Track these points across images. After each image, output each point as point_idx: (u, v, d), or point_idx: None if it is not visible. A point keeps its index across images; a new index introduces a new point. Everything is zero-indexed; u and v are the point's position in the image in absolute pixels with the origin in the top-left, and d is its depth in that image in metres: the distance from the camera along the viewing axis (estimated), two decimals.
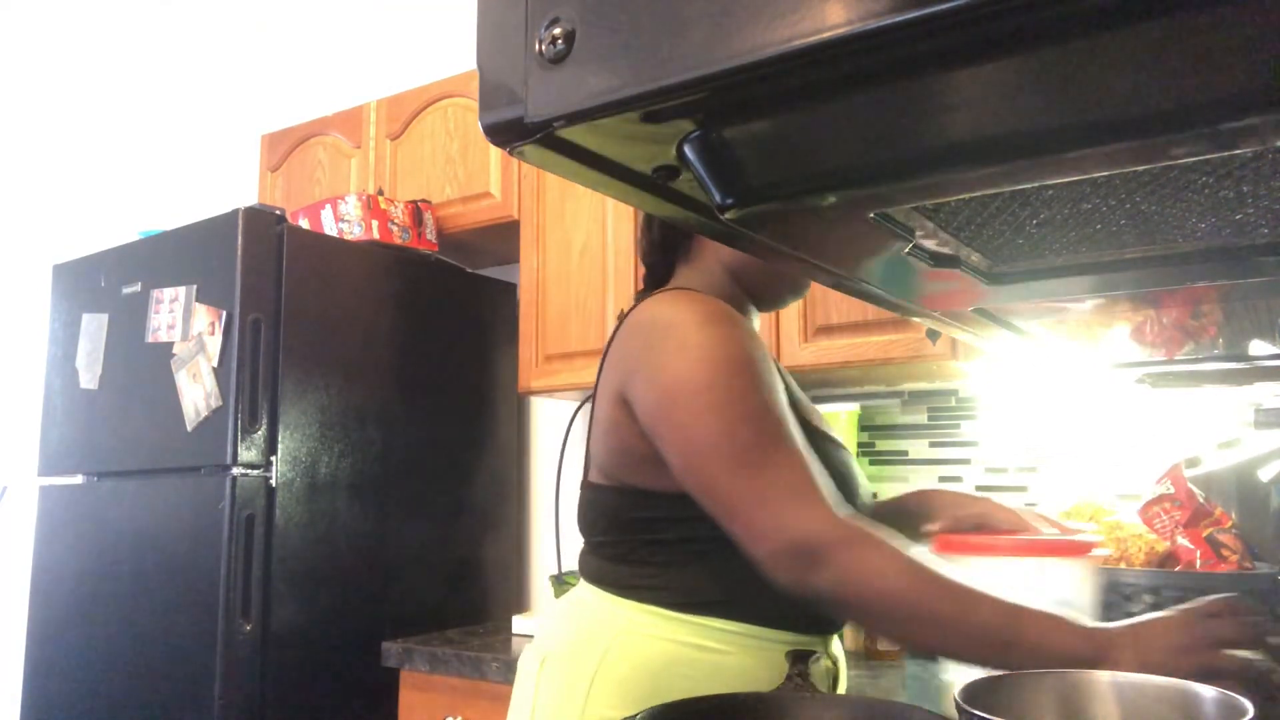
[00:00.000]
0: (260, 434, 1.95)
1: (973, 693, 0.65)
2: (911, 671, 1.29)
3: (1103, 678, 0.69)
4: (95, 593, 2.11)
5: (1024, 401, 1.95)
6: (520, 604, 2.56)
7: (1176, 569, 1.26)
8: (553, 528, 2.50)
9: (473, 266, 2.67)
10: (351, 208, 2.27)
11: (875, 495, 1.20)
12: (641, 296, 1.09)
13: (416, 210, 2.36)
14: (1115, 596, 1.14)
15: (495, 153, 2.37)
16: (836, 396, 2.12)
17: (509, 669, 1.78)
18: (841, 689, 1.07)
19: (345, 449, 2.11)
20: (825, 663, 1.01)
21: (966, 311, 0.77)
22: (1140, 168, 0.42)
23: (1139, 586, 1.17)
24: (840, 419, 1.98)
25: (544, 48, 0.37)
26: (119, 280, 2.18)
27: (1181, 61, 0.33)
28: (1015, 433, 1.97)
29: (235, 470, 1.90)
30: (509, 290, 2.54)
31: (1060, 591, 0.92)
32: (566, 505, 2.35)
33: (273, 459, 1.96)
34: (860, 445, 2.11)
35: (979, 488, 1.98)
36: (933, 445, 2.06)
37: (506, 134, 0.40)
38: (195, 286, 2.01)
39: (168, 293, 2.05)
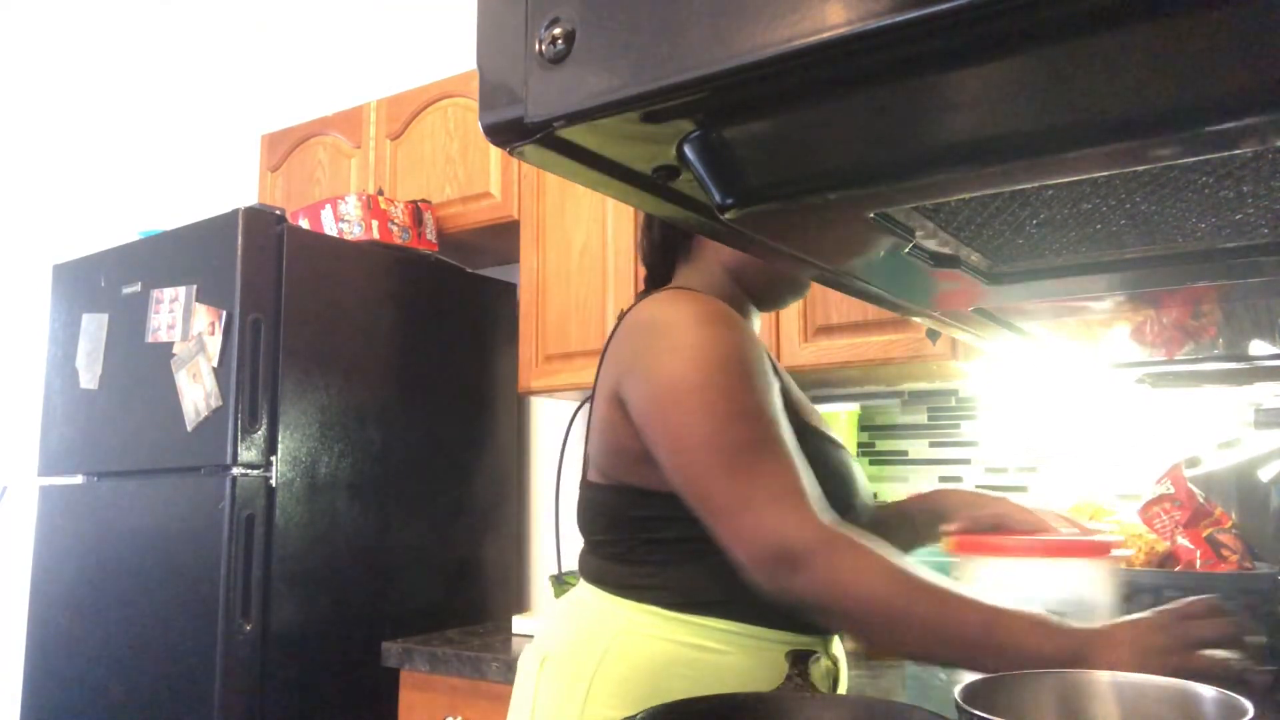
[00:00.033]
0: (260, 434, 1.95)
1: (973, 693, 0.65)
2: (911, 671, 1.29)
3: (1103, 678, 0.69)
4: (95, 593, 2.11)
5: (1024, 401, 1.95)
6: (520, 604, 2.56)
7: (1176, 569, 1.27)
8: (553, 528, 2.50)
9: (473, 266, 2.67)
10: (351, 208, 2.27)
11: (875, 495, 1.20)
12: (642, 297, 1.10)
13: (416, 210, 2.36)
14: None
15: (495, 153, 2.37)
16: (836, 396, 2.12)
17: (509, 669, 1.78)
18: (842, 689, 1.07)
19: (345, 449, 2.11)
20: (825, 663, 1.01)
21: (966, 311, 0.77)
22: (1140, 168, 0.42)
23: (1139, 586, 1.17)
24: (840, 419, 1.98)
25: (544, 48, 0.37)
26: (119, 280, 2.18)
27: (1181, 61, 0.33)
28: (1015, 433, 1.97)
29: (235, 470, 1.90)
30: (509, 290, 2.54)
31: (1080, 592, 0.91)
32: (566, 505, 2.35)
33: (273, 459, 1.96)
34: (860, 445, 2.11)
35: (979, 488, 1.98)
36: (933, 445, 2.06)
37: (506, 134, 0.40)
38: (195, 286, 2.01)
39: (168, 293, 2.06)
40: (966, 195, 0.49)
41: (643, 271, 1.22)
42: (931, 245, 0.58)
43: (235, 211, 1.98)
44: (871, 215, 0.51)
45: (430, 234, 2.38)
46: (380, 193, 2.49)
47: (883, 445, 2.12)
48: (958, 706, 0.61)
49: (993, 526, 1.11)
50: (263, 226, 2.01)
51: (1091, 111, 0.37)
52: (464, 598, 2.36)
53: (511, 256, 2.57)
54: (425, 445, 2.29)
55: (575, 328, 2.17)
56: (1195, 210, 0.53)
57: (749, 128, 0.40)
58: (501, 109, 0.39)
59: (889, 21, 0.30)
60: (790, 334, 1.89)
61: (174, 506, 1.98)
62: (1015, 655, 0.80)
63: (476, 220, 2.40)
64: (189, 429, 1.97)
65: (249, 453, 1.92)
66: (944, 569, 0.93)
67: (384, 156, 2.58)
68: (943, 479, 2.03)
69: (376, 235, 2.27)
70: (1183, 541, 1.28)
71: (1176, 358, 0.99)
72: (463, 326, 2.43)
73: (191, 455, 1.96)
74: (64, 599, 2.18)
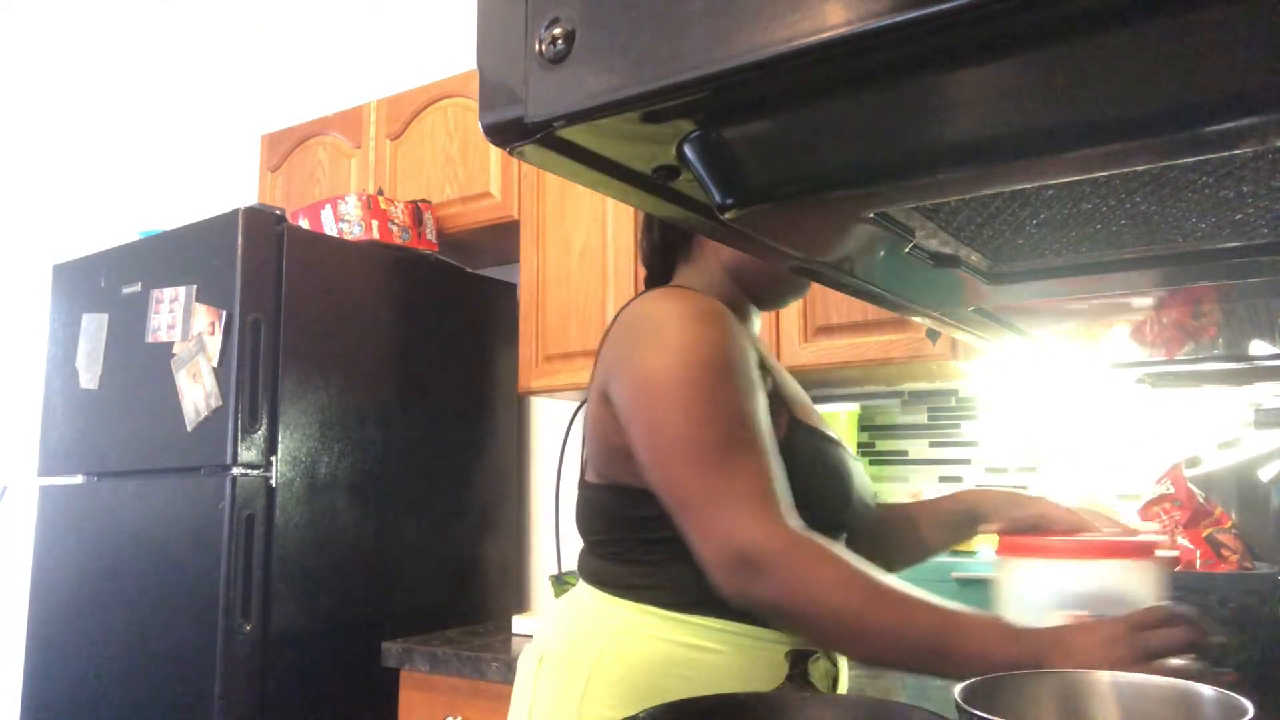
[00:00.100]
0: (260, 434, 1.95)
1: (973, 693, 0.65)
2: None
3: (1103, 678, 0.69)
4: (95, 593, 2.11)
5: (1024, 401, 1.95)
6: (520, 604, 2.56)
7: (1176, 569, 1.26)
8: (553, 528, 2.50)
9: (473, 266, 2.67)
10: (351, 208, 2.27)
11: (876, 495, 1.20)
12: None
13: (416, 210, 2.36)
14: None
15: (495, 153, 2.37)
16: (836, 396, 2.12)
17: (509, 669, 1.78)
18: (841, 689, 1.07)
19: (345, 449, 2.11)
20: (825, 663, 1.01)
21: (966, 311, 0.77)
22: (1140, 168, 0.42)
23: None
24: (840, 419, 1.98)
25: (544, 48, 0.37)
26: (119, 280, 2.18)
27: (1181, 61, 0.33)
28: (1015, 433, 1.97)
29: (235, 470, 1.90)
30: (509, 290, 2.54)
31: (1126, 593, 0.91)
32: (566, 505, 2.34)
33: (273, 459, 1.96)
34: (860, 445, 2.11)
35: (979, 488, 1.98)
36: (933, 445, 2.06)
37: (506, 134, 0.40)
38: (195, 286, 2.01)
39: (168, 293, 2.06)
40: (966, 195, 0.49)
41: (643, 272, 1.22)
42: (931, 245, 0.58)
43: (235, 211, 1.98)
44: (871, 215, 0.51)
45: (430, 234, 2.38)
46: (380, 193, 2.49)
47: (883, 445, 2.12)
48: (958, 706, 0.61)
49: (1034, 526, 1.11)
50: (263, 226, 2.01)
51: (1091, 111, 0.37)
52: (464, 598, 2.36)
53: (511, 256, 2.57)
54: (425, 445, 2.29)
55: (575, 328, 2.17)
56: (1195, 210, 0.53)
57: (749, 128, 0.40)
58: (501, 109, 0.39)
59: (889, 21, 0.30)
60: (790, 334, 1.89)
61: (174, 506, 1.98)
62: (973, 661, 0.81)
63: (476, 220, 2.40)
64: (189, 429, 1.97)
65: (249, 453, 1.92)
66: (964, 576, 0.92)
67: (384, 156, 2.58)
68: (943, 479, 2.03)
69: (376, 235, 2.27)
70: (1183, 541, 1.28)
71: (1176, 358, 0.99)
72: (463, 326, 2.43)
73: (191, 455, 1.96)
74: (64, 599, 2.18)
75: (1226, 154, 0.42)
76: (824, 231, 0.55)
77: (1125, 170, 0.44)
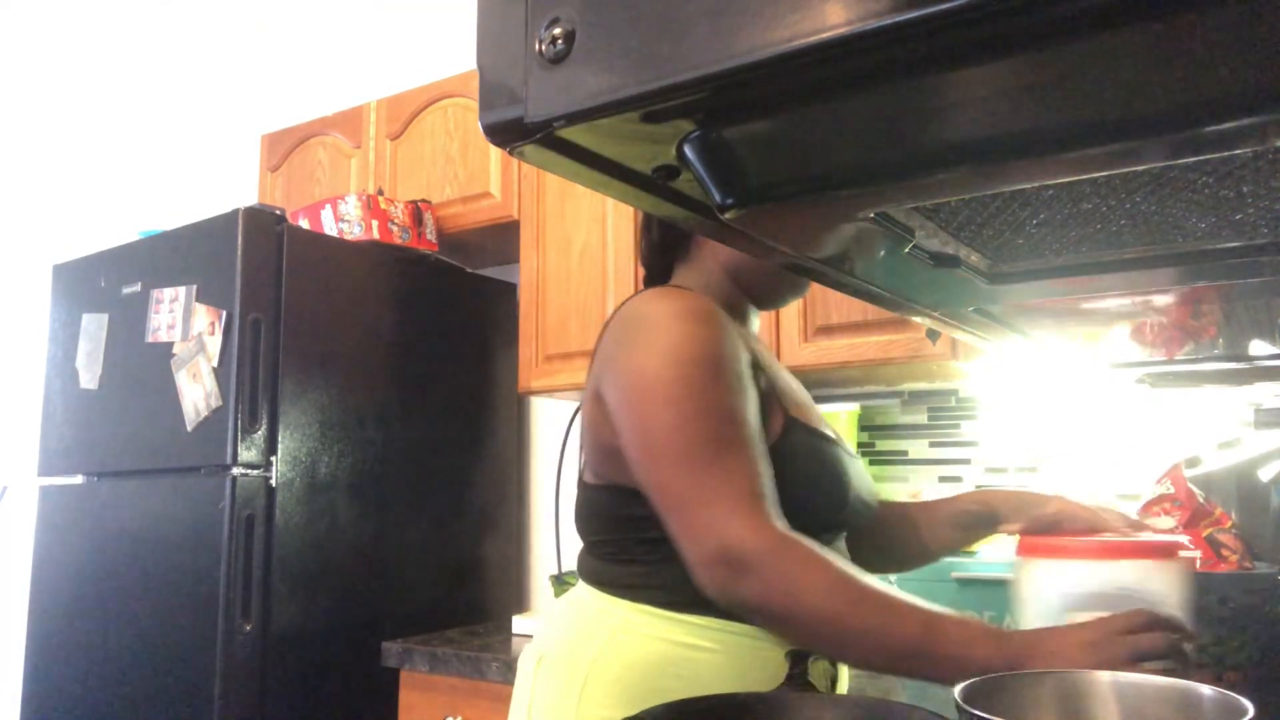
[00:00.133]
0: (260, 434, 1.95)
1: (973, 693, 0.65)
2: None
3: (1103, 678, 0.69)
4: (95, 593, 2.11)
5: (1024, 401, 1.95)
6: (520, 604, 2.56)
7: None
8: (553, 528, 2.50)
9: (473, 266, 2.67)
10: (351, 208, 2.27)
11: (877, 494, 1.20)
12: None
13: (416, 210, 2.36)
14: None
15: (495, 153, 2.37)
16: (836, 396, 2.12)
17: (509, 669, 1.78)
18: (841, 689, 1.07)
19: (345, 449, 2.11)
20: (824, 663, 1.01)
21: (966, 311, 0.77)
22: (1140, 168, 0.42)
23: None
24: (840, 419, 1.97)
25: (544, 48, 0.37)
26: (119, 280, 2.18)
27: (1180, 61, 0.33)
28: (1015, 433, 1.97)
29: (235, 470, 1.90)
30: (509, 290, 2.54)
31: (1148, 594, 0.90)
32: (566, 505, 2.35)
33: (273, 459, 1.96)
34: (860, 445, 2.11)
35: (979, 488, 1.98)
36: (933, 445, 2.06)
37: (506, 134, 0.40)
38: (195, 286, 2.01)
39: (168, 293, 2.06)
40: (966, 195, 0.49)
41: (642, 271, 1.22)
42: (931, 245, 0.58)
43: (235, 211, 1.98)
44: (871, 215, 0.51)
45: (430, 234, 2.38)
46: (380, 193, 2.49)
47: (883, 445, 2.12)
48: (958, 706, 0.61)
49: (1053, 526, 1.10)
50: (263, 226, 2.01)
51: (1091, 111, 0.37)
52: (464, 598, 2.36)
53: (511, 256, 2.57)
54: (425, 445, 2.29)
55: (575, 328, 2.17)
56: (1195, 210, 0.53)
57: (749, 128, 0.40)
58: (501, 109, 0.39)
59: (889, 21, 0.30)
60: (790, 334, 1.89)
61: (174, 506, 1.98)
62: (953, 663, 0.81)
63: (476, 220, 2.40)
64: (189, 429, 1.97)
65: (249, 453, 1.92)
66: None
67: (384, 156, 2.58)
68: (943, 479, 2.03)
69: (376, 235, 2.27)
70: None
71: (1176, 358, 0.99)
72: (463, 326, 2.43)
73: (191, 455, 1.96)
74: (64, 599, 2.18)
75: (1226, 154, 0.42)
76: (824, 231, 0.55)
77: (1125, 170, 0.44)
